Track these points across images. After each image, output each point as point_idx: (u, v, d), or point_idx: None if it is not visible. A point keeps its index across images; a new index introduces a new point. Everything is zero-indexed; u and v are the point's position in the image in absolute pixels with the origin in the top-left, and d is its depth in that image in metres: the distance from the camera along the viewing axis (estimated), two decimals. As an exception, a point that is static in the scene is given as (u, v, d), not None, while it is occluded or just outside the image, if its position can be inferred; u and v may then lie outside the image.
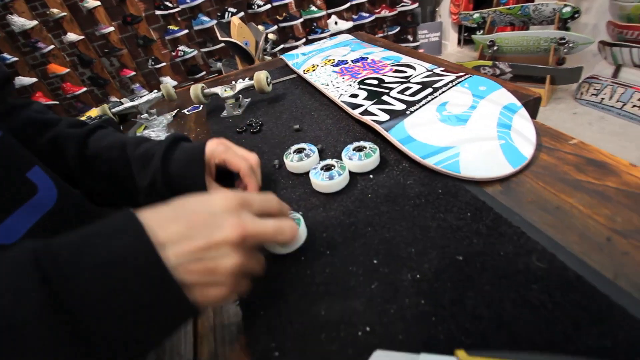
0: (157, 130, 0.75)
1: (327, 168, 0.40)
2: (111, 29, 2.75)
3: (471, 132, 0.40)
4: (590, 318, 0.24)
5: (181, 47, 2.99)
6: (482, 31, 2.52)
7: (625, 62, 2.05)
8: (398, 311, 0.27)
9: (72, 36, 2.68)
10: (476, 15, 2.47)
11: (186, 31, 2.95)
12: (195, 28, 2.97)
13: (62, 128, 0.42)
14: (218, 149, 0.40)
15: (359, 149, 0.42)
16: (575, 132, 2.02)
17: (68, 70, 2.74)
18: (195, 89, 0.69)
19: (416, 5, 3.29)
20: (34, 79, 2.67)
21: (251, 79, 0.68)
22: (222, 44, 3.00)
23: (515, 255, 0.29)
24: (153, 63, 2.96)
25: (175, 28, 2.91)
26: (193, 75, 3.06)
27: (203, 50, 3.08)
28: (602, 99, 2.16)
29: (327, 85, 0.61)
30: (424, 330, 0.25)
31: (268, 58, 1.89)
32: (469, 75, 0.50)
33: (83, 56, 2.78)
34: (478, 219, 0.33)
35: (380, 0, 3.23)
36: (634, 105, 2.00)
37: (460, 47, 3.54)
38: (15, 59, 2.57)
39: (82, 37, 2.71)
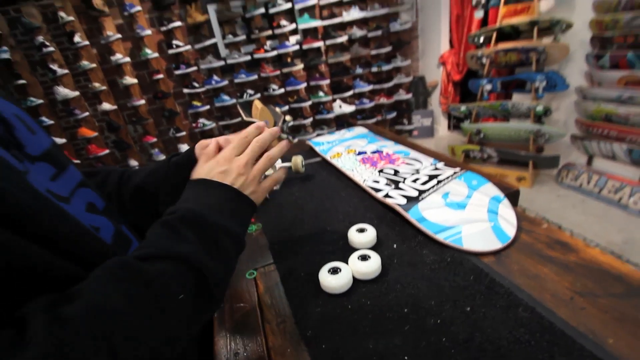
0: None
1: (363, 258, 0.49)
2: (142, 102, 3.10)
3: (469, 216, 0.54)
4: (560, 352, 0.35)
5: (201, 120, 3.33)
6: (469, 120, 2.88)
7: (596, 153, 2.34)
8: (427, 346, 0.38)
9: (106, 106, 3.01)
10: (463, 108, 2.86)
11: (207, 107, 3.32)
12: (217, 105, 3.35)
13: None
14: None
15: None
16: (560, 213, 2.20)
17: (96, 134, 3.00)
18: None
19: (410, 95, 3.78)
20: (64, 140, 2.91)
21: (285, 159, 0.85)
22: (239, 119, 3.36)
23: (507, 308, 0.40)
24: (174, 132, 3.26)
25: (199, 104, 3.29)
26: (208, 144, 3.34)
27: (221, 123, 3.42)
28: (581, 184, 2.40)
29: (352, 170, 0.78)
30: (446, 359, 0.36)
31: (284, 136, 2.14)
32: (464, 170, 0.67)
33: (112, 122, 3.07)
34: (479, 281, 0.45)
35: (379, 90, 3.71)
36: (610, 191, 2.22)
37: (450, 131, 3.95)
38: (52, 122, 2.84)
39: (115, 107, 3.04)
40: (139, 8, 2.88)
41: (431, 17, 3.62)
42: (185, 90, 3.23)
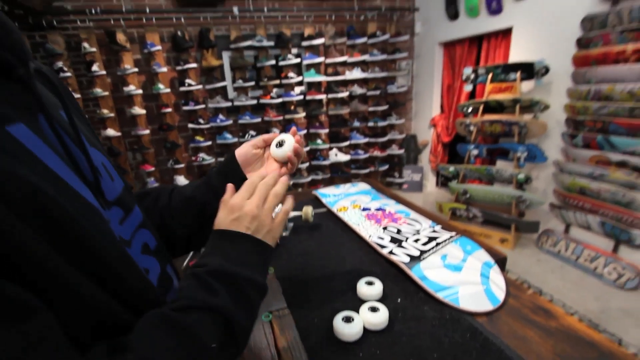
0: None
1: (373, 309, 0.56)
2: (146, 132, 3.20)
3: (464, 278, 0.61)
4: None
5: (201, 154, 3.42)
6: (456, 180, 3.06)
7: (572, 222, 2.50)
8: (431, 395, 0.43)
9: (110, 132, 3.08)
10: (452, 169, 3.05)
11: (209, 143, 3.43)
12: (218, 142, 3.47)
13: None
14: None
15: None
16: (540, 278, 2.29)
17: (95, 159, 3.02)
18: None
19: (402, 151, 4.01)
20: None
21: (293, 208, 0.92)
22: (238, 157, 3.45)
23: (499, 365, 0.47)
24: (173, 163, 3.32)
25: (201, 139, 3.40)
26: (205, 178, 3.40)
27: (220, 159, 3.51)
28: (560, 250, 2.53)
29: (358, 225, 0.85)
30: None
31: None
32: (459, 235, 0.75)
33: (113, 148, 3.12)
34: (474, 339, 0.51)
35: (374, 143, 3.94)
36: (586, 260, 2.34)
37: (437, 187, 4.14)
38: (52, 143, 2.87)
39: (119, 134, 3.11)
40: (159, 47, 3.09)
41: (425, 84, 3.98)
42: (190, 125, 3.35)
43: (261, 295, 0.43)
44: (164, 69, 3.14)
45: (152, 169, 3.28)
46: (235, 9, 3.16)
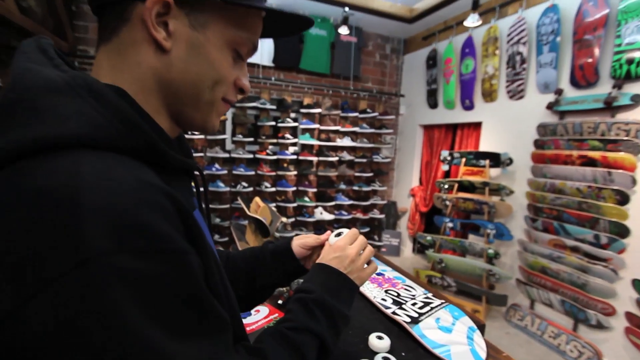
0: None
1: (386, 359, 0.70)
2: (142, 174, 3.27)
3: (454, 339, 0.76)
4: None
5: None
6: (433, 249, 3.28)
7: (536, 299, 2.71)
8: None
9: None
10: (428, 238, 3.29)
11: (201, 189, 3.52)
12: (210, 188, 3.58)
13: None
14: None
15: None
16: (509, 350, 2.40)
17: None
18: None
19: (383, 215, 4.26)
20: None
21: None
22: (228, 205, 3.56)
23: (485, 410, 0.60)
24: (162, 206, 3.36)
25: (194, 184, 3.50)
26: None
27: (210, 206, 3.58)
28: (526, 325, 2.69)
29: (363, 287, 1.00)
30: None
31: (277, 234, 2.36)
32: (448, 303, 0.92)
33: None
34: (464, 389, 0.65)
35: (357, 206, 4.18)
36: (550, 336, 2.51)
37: (414, 254, 4.34)
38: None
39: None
40: (169, 98, 3.34)
41: (406, 157, 4.41)
42: (185, 171, 3.48)
43: (345, 325, 0.52)
44: (171, 118, 3.35)
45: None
46: (246, 75, 3.54)
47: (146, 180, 0.30)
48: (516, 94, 2.97)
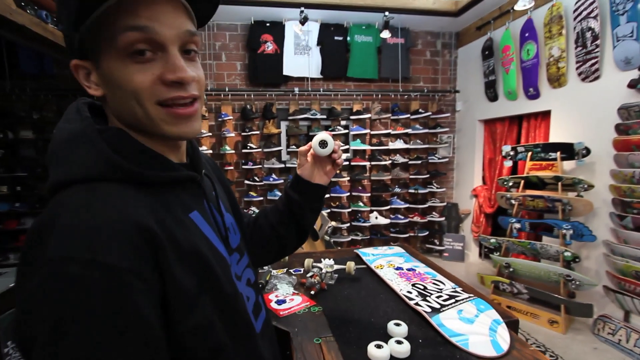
0: (284, 286, 1.12)
1: (399, 342, 0.72)
2: (211, 186, 3.69)
3: (475, 329, 0.76)
4: None
5: (252, 208, 3.80)
6: (498, 253, 3.02)
7: (632, 310, 2.32)
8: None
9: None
10: (492, 240, 3.05)
11: (261, 198, 3.83)
12: (269, 197, 3.86)
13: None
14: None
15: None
16: (594, 367, 2.09)
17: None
18: (308, 262, 1.15)
19: (443, 219, 4.07)
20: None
21: (338, 262, 1.13)
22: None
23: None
24: (228, 215, 3.73)
25: (254, 194, 3.82)
26: (254, 230, 3.73)
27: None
28: (620, 340, 2.31)
29: (391, 280, 1.03)
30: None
31: (327, 238, 2.47)
32: (476, 297, 0.90)
33: (182, 199, 3.63)
34: (478, 376, 0.65)
35: (414, 209, 4.06)
36: (652, 355, 2.12)
37: (481, 259, 4.03)
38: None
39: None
40: (230, 117, 3.73)
41: (466, 156, 4.16)
42: (246, 182, 3.82)
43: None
44: (232, 134, 3.73)
45: (211, 218, 3.70)
46: (296, 89, 3.77)
47: (115, 207, 0.38)
48: (590, 75, 2.63)
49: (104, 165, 0.41)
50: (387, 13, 2.88)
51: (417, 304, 0.87)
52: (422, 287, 0.96)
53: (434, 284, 0.99)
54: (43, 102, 3.39)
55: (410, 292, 0.94)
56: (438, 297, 0.90)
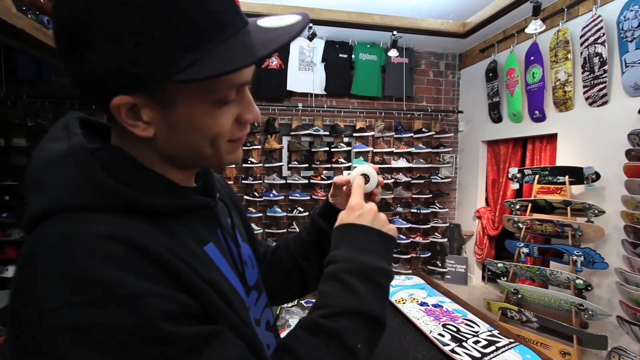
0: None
1: None
2: (208, 200, 3.57)
3: (527, 387, 0.65)
4: None
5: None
6: (505, 278, 2.92)
7: (648, 344, 2.21)
8: None
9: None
10: (500, 265, 2.95)
11: (260, 214, 3.71)
12: (268, 214, 3.74)
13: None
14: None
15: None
16: (615, 408, 1.97)
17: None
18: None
19: (445, 240, 3.97)
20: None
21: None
22: (285, 230, 3.66)
23: None
24: (225, 231, 3.59)
25: (253, 210, 3.70)
26: (251, 248, 3.59)
27: (267, 230, 3.74)
28: (637, 376, 2.19)
29: (418, 319, 0.93)
30: None
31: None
32: (518, 343, 0.80)
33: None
34: None
35: (416, 229, 3.97)
36: (672, 394, 2.00)
37: (484, 282, 3.91)
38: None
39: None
40: (232, 131, 3.65)
41: (469, 176, 4.11)
42: (246, 197, 3.70)
43: (390, 281, 0.45)
44: (233, 149, 3.64)
45: (207, 234, 3.56)
46: (300, 105, 3.72)
47: (105, 234, 0.31)
48: (597, 99, 2.61)
49: (95, 191, 0.34)
50: (395, 32, 2.88)
51: (452, 350, 0.77)
52: (454, 329, 0.86)
53: (466, 324, 0.88)
54: (38, 109, 3.29)
55: (443, 336, 0.83)
56: (475, 342, 0.79)
